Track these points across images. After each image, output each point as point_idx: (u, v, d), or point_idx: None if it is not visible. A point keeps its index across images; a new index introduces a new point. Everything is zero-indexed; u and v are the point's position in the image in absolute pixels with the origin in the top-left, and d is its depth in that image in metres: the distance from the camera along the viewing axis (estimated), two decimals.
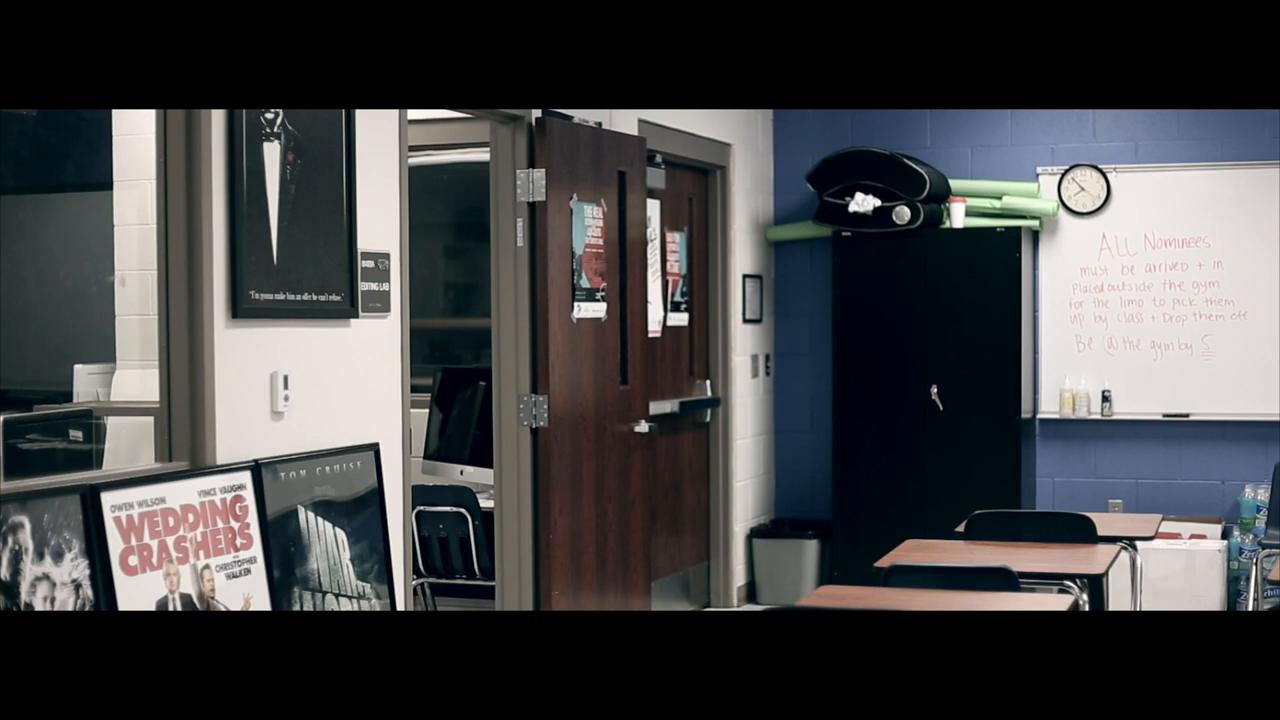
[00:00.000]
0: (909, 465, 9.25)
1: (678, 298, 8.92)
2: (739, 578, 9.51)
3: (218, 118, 5.12)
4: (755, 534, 9.66)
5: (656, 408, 8.22)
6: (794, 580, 9.44)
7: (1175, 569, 8.77)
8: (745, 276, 9.59)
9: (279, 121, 5.36)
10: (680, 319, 8.97)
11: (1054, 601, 5.02)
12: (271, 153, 5.32)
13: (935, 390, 9.15)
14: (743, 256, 9.57)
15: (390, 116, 6.04)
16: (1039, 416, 9.48)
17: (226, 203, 5.15)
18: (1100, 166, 9.35)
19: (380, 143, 5.95)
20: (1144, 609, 7.00)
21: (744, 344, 9.59)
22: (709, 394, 9.29)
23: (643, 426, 7.70)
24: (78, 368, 6.24)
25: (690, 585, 9.16)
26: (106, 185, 6.15)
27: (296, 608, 5.26)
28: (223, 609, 4.92)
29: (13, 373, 6.64)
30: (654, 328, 8.37)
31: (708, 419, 9.33)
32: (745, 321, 9.59)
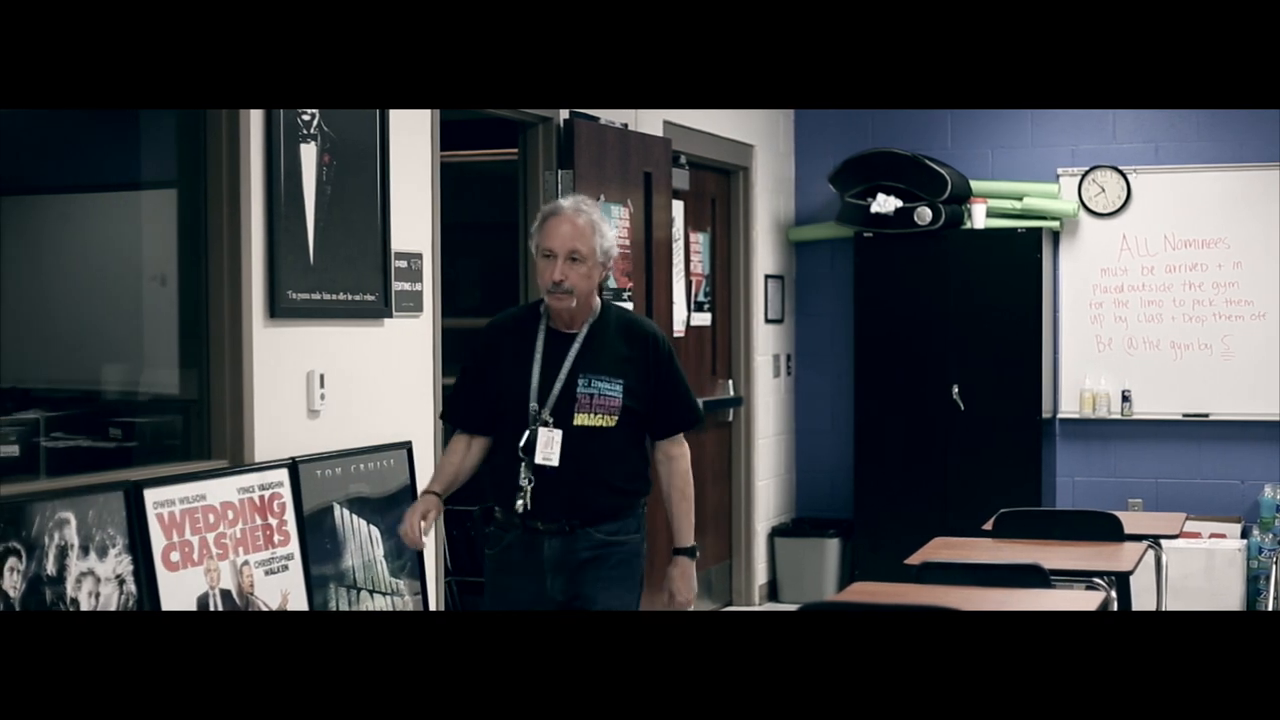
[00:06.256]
0: (930, 464, 9.29)
1: (700, 298, 8.97)
2: (760, 576, 9.56)
3: (256, 120, 5.18)
4: (777, 533, 9.70)
5: None
6: (815, 579, 9.48)
7: (1195, 568, 8.80)
8: (767, 277, 9.63)
9: (315, 123, 5.42)
10: (703, 319, 9.01)
11: (1084, 598, 5.06)
12: (308, 154, 5.39)
13: (956, 390, 9.19)
14: (765, 257, 9.61)
15: (423, 117, 6.10)
16: (1059, 416, 9.52)
17: (265, 204, 5.21)
18: (1120, 168, 9.38)
19: (413, 143, 6.01)
20: (1168, 608, 7.03)
21: (766, 344, 9.64)
22: (731, 393, 9.33)
23: None
24: (106, 366, 6.28)
25: (712, 584, 9.20)
26: (136, 185, 6.20)
27: (332, 604, 5.32)
28: (261, 604, 4.98)
29: (40, 371, 6.68)
30: (678, 327, 8.42)
31: (730, 418, 9.38)
32: (767, 321, 9.64)
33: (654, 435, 4.83)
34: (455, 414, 4.86)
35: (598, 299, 4.79)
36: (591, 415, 4.66)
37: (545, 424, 4.62)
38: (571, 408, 4.65)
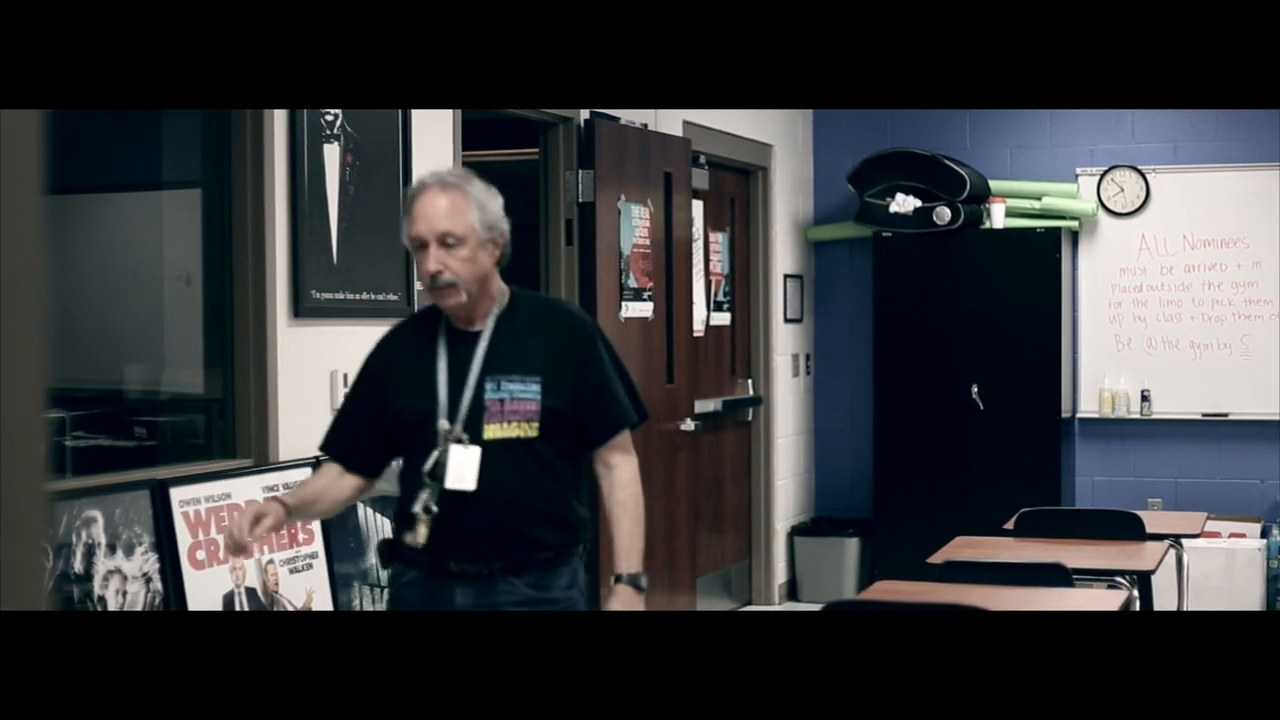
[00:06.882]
0: (949, 464, 9.30)
1: (720, 297, 8.99)
2: (780, 575, 9.57)
3: (280, 120, 5.20)
4: (796, 532, 9.71)
5: (700, 406, 8.29)
6: (835, 578, 9.49)
7: (1215, 568, 8.80)
8: (786, 276, 9.65)
9: (338, 123, 5.44)
10: (722, 318, 9.03)
11: (1107, 598, 5.07)
12: (331, 154, 5.41)
13: (975, 389, 9.20)
14: (784, 256, 9.63)
15: (445, 117, 6.12)
16: (1078, 416, 9.52)
17: (289, 204, 5.24)
18: (1139, 167, 9.38)
19: (435, 143, 6.03)
20: (1189, 608, 7.03)
21: (785, 343, 9.65)
22: (750, 393, 9.35)
23: (688, 425, 7.77)
24: (130, 366, 6.32)
25: (732, 583, 9.21)
26: (158, 185, 6.23)
27: (356, 602, 5.34)
28: (286, 603, 5.00)
29: (62, 370, 6.71)
30: (697, 327, 8.44)
31: (749, 418, 9.39)
32: (786, 321, 9.65)
33: (589, 442, 3.94)
34: (330, 445, 4.05)
35: (501, 284, 3.92)
36: (505, 425, 3.79)
37: (459, 441, 3.77)
38: (480, 418, 3.79)
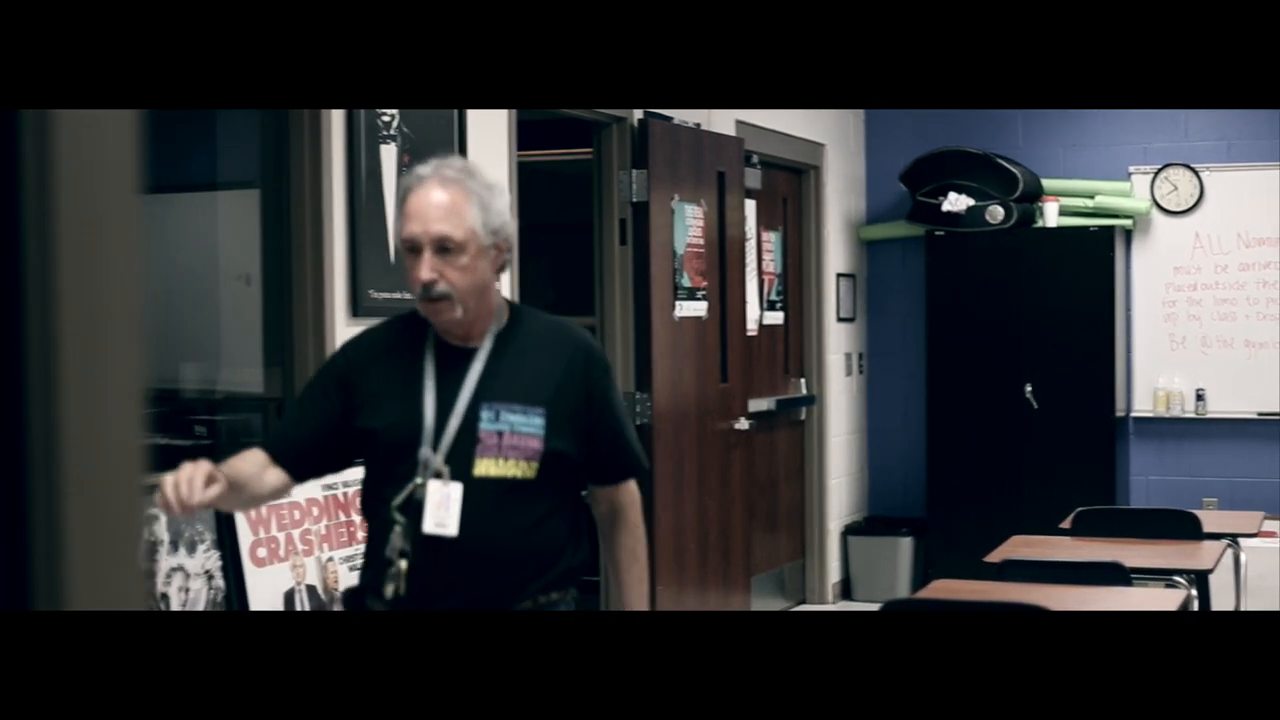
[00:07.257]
0: (1003, 463, 9.28)
1: (773, 296, 8.99)
2: (834, 574, 9.57)
3: (338, 121, 5.24)
4: (849, 531, 9.71)
5: (754, 405, 8.29)
6: (888, 577, 9.48)
7: (1270, 567, 8.76)
8: (839, 275, 9.65)
9: (395, 124, 5.47)
10: (775, 318, 9.04)
11: (1165, 597, 5.06)
12: (388, 154, 5.44)
13: (1029, 388, 9.17)
14: (836, 256, 9.63)
15: (500, 117, 6.15)
16: (1132, 415, 9.48)
17: (346, 204, 5.27)
18: (1193, 166, 9.34)
19: (490, 143, 6.06)
20: (1246, 607, 6.99)
21: (838, 342, 9.65)
22: (804, 392, 9.35)
23: (742, 424, 7.78)
24: (188, 365, 6.36)
25: (786, 582, 9.22)
26: (213, 186, 6.27)
27: None
28: None
29: None
30: (751, 326, 8.45)
31: (803, 417, 9.40)
32: (839, 320, 9.65)
33: (597, 479, 3.53)
34: (270, 440, 3.58)
35: (500, 297, 3.47)
36: (501, 462, 3.30)
37: (438, 475, 3.29)
38: (471, 452, 3.30)
